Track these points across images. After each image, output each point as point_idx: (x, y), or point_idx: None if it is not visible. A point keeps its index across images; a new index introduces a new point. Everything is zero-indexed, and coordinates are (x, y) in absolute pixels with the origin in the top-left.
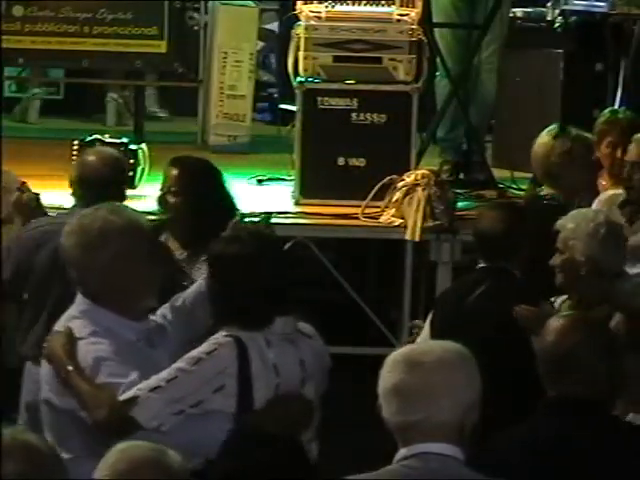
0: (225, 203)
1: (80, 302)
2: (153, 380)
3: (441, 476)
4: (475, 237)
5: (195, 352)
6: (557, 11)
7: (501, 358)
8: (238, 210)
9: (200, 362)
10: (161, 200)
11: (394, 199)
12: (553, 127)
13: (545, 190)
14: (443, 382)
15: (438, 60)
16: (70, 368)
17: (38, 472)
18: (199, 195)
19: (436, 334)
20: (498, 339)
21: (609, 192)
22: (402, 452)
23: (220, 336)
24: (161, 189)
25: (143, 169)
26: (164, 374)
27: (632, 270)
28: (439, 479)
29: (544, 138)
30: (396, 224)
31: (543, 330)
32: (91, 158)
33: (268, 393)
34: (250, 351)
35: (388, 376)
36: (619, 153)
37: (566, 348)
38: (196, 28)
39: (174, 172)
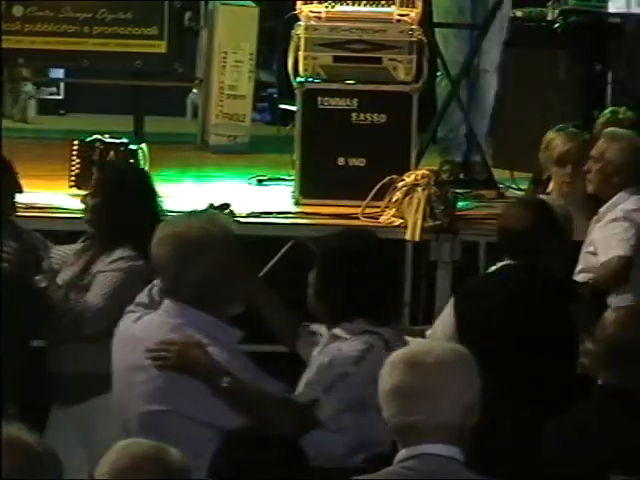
0: (147, 206)
1: (173, 310)
2: (319, 382)
3: (441, 477)
4: (500, 234)
5: (350, 352)
6: (557, 11)
7: (532, 354)
8: (163, 213)
9: (361, 361)
10: (83, 201)
11: (394, 199)
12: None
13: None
14: (444, 383)
15: (438, 60)
16: (227, 379)
17: (32, 470)
18: (116, 197)
19: (464, 330)
20: (528, 336)
21: None
22: (402, 453)
23: (360, 334)
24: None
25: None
26: (328, 376)
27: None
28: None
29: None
30: (396, 224)
31: (601, 321)
32: None
33: None
34: (393, 346)
35: (388, 377)
36: None
37: (625, 338)
38: (196, 28)
39: (95, 175)
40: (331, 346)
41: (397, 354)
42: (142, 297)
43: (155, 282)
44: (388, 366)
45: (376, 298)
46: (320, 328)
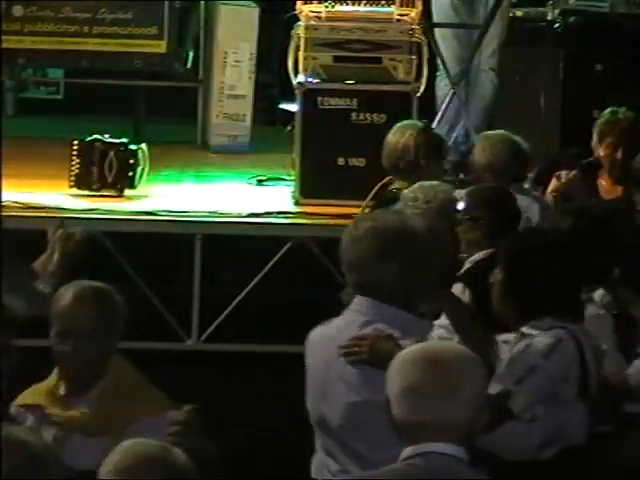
0: None
1: (364, 307)
2: (509, 375)
3: (445, 476)
4: None
5: (539, 346)
6: (557, 11)
7: None
8: None
9: (550, 355)
10: None
11: None
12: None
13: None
14: (461, 382)
15: (438, 60)
16: None
17: (33, 470)
18: None
19: None
20: None
21: None
22: (408, 450)
23: (548, 329)
24: None
25: (143, 169)
26: (518, 369)
27: None
28: (443, 479)
29: (401, 131)
30: None
31: None
32: None
33: (595, 378)
34: (583, 341)
35: (403, 375)
36: (619, 154)
37: None
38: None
39: None
40: (520, 344)
41: (410, 352)
42: None
43: None
44: (401, 364)
45: (563, 296)
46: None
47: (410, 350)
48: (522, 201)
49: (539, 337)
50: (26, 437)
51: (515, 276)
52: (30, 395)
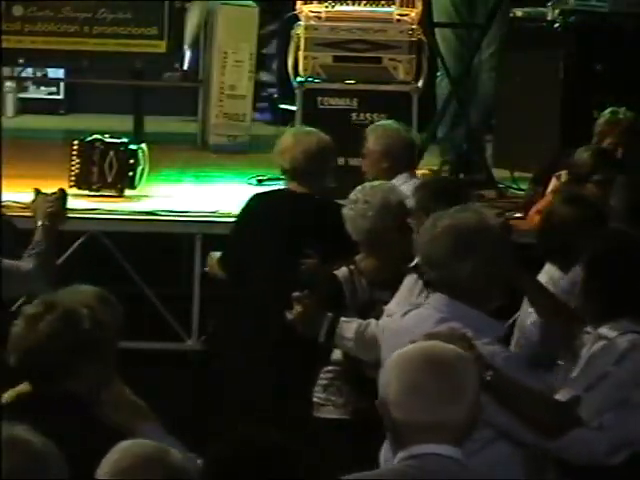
0: None
1: (440, 303)
2: (580, 381)
3: (443, 477)
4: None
5: (612, 352)
6: (557, 11)
7: None
8: None
9: (622, 362)
10: None
11: None
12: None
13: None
14: (462, 383)
15: (438, 60)
16: (490, 372)
17: (34, 469)
18: None
19: None
20: None
21: None
22: (402, 453)
23: (624, 333)
24: None
25: (143, 169)
26: (589, 375)
27: None
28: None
29: (291, 133)
30: None
31: None
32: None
33: None
34: None
35: (405, 376)
36: (619, 154)
37: None
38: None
39: None
40: (595, 346)
41: (409, 353)
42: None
43: None
44: (401, 364)
45: None
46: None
47: (408, 351)
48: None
49: (614, 340)
50: (27, 436)
51: (595, 276)
52: None
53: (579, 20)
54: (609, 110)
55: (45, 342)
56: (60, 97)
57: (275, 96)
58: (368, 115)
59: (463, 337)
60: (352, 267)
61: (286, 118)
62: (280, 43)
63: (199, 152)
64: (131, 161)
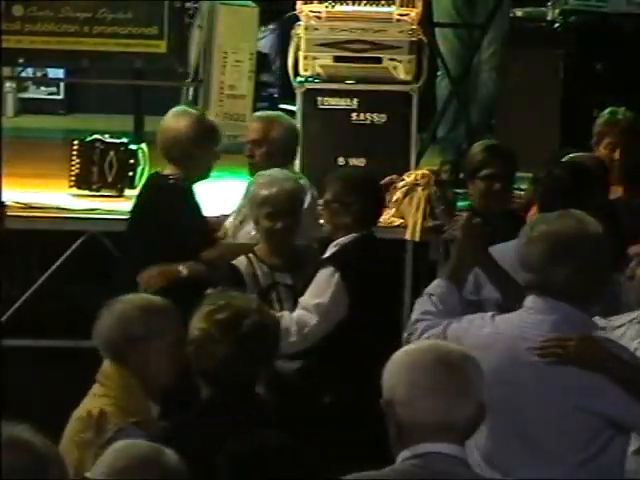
0: None
1: (543, 306)
2: None
3: (448, 477)
4: None
5: None
6: (557, 11)
7: None
8: None
9: None
10: None
11: (394, 199)
12: (179, 108)
13: (169, 169)
14: (471, 382)
15: (438, 60)
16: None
17: (34, 470)
18: None
19: None
20: None
21: None
22: (406, 453)
23: None
24: None
25: (143, 169)
26: None
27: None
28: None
29: (170, 116)
30: (396, 224)
31: None
32: None
33: None
34: None
35: (414, 376)
36: (617, 154)
37: None
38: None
39: None
40: None
41: (417, 353)
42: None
43: None
44: (410, 365)
45: None
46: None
47: (413, 350)
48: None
49: None
50: (28, 437)
51: None
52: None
53: (579, 20)
54: (608, 110)
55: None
56: (60, 97)
57: (275, 96)
58: (368, 115)
59: (594, 339)
60: (251, 255)
61: None
62: (280, 43)
63: None
64: (131, 161)
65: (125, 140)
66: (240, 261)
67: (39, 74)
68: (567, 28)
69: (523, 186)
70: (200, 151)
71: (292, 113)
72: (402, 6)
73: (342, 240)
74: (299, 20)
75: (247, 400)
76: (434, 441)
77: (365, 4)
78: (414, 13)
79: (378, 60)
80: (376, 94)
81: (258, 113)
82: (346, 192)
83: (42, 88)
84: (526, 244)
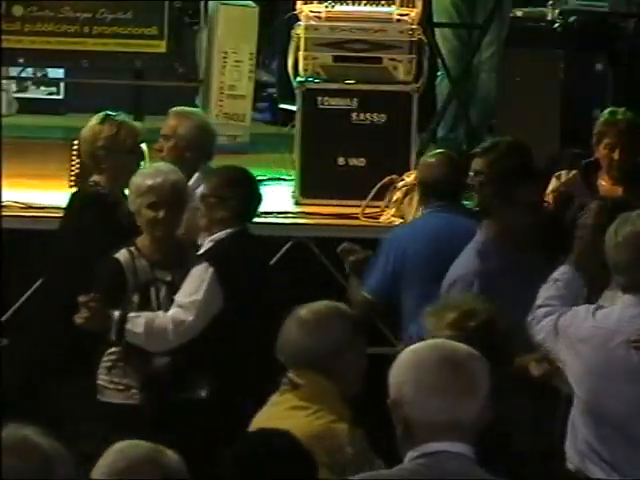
0: None
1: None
2: None
3: (457, 476)
4: None
5: None
6: (557, 11)
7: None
8: None
9: None
10: None
11: (394, 199)
12: (101, 114)
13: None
14: (478, 381)
15: (438, 60)
16: None
17: (38, 469)
18: None
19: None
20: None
21: None
22: (414, 452)
23: None
24: None
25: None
26: None
27: None
28: (457, 479)
29: (91, 123)
30: (396, 224)
31: None
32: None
33: None
34: None
35: (422, 375)
36: (617, 154)
37: None
38: (196, 28)
39: None
40: None
41: (423, 352)
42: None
43: None
44: (417, 364)
45: None
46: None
47: (420, 349)
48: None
49: None
50: (37, 439)
51: None
52: None
53: (579, 20)
54: (608, 110)
55: None
56: (60, 97)
57: (275, 96)
58: (368, 115)
59: None
60: (132, 248)
61: (286, 118)
62: (280, 43)
63: None
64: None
65: None
66: (122, 254)
67: (39, 74)
68: (567, 28)
69: None
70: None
71: (292, 113)
72: (402, 6)
73: (217, 236)
74: (299, 20)
75: None
76: (442, 440)
77: (365, 4)
78: (414, 13)
79: (378, 60)
80: (376, 94)
81: (173, 108)
82: (223, 187)
83: (42, 88)
84: (613, 248)
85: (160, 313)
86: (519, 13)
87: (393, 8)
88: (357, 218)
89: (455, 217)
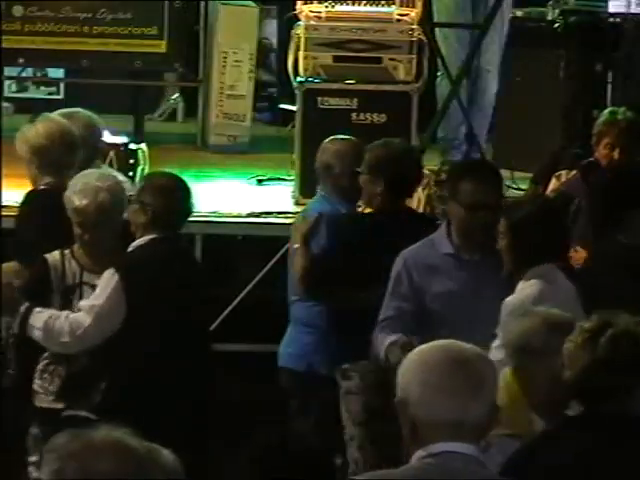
0: None
1: None
2: None
3: (464, 476)
4: None
5: None
6: (557, 11)
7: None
8: None
9: None
10: None
11: None
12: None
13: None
14: (485, 381)
15: (439, 60)
16: None
17: (131, 472)
18: None
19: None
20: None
21: None
22: (421, 452)
23: None
24: None
25: (143, 169)
26: None
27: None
28: (464, 479)
29: (32, 125)
30: None
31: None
32: None
33: None
34: None
35: (428, 375)
36: (616, 154)
37: None
38: (196, 28)
39: None
40: None
41: (430, 352)
42: None
43: None
44: (423, 364)
45: None
46: None
47: (427, 350)
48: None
49: None
50: (130, 441)
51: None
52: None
53: (579, 20)
54: (608, 110)
55: (603, 360)
56: (60, 97)
57: (275, 96)
58: (368, 115)
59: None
60: (67, 250)
61: (286, 118)
62: (280, 43)
63: (199, 152)
64: (131, 161)
65: (125, 140)
66: (53, 254)
67: (39, 74)
68: (567, 28)
69: (523, 186)
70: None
71: (292, 113)
72: (402, 6)
73: (137, 242)
74: (299, 20)
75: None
76: (448, 440)
77: (365, 4)
78: (414, 13)
79: (378, 60)
80: (376, 94)
81: (60, 110)
82: (145, 193)
83: (42, 88)
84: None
85: (65, 313)
86: (519, 13)
87: (393, 8)
88: None
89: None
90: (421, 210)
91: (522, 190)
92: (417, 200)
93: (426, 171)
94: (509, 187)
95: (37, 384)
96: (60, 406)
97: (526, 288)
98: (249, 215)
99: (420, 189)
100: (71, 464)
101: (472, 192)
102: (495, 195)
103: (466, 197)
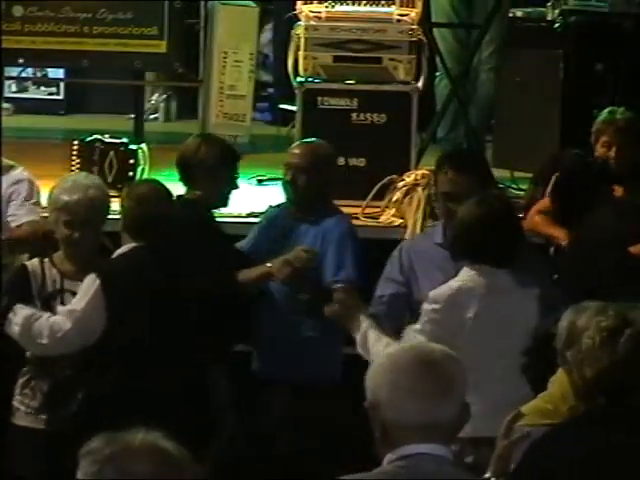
0: None
1: None
2: None
3: (436, 477)
4: None
5: None
6: (557, 11)
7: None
8: None
9: None
10: None
11: (394, 199)
12: None
13: None
14: (454, 382)
15: (438, 60)
16: None
17: (166, 473)
18: None
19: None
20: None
21: None
22: (392, 455)
23: None
24: None
25: (143, 169)
26: None
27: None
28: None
29: None
30: (396, 224)
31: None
32: None
33: None
34: None
35: (398, 377)
36: (613, 152)
37: None
38: (196, 28)
39: None
40: None
41: (399, 354)
42: None
43: None
44: (392, 366)
45: None
46: None
47: (396, 352)
48: None
49: None
50: (165, 443)
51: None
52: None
53: (579, 20)
54: (607, 109)
55: (623, 361)
56: (60, 97)
57: (275, 96)
58: (368, 115)
59: None
60: (45, 260)
61: (286, 118)
62: (280, 43)
63: None
64: (131, 161)
65: (125, 140)
66: (32, 262)
67: (39, 74)
68: (567, 28)
69: (523, 186)
70: None
71: (292, 113)
72: (402, 6)
73: (122, 249)
74: (299, 20)
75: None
76: (419, 442)
77: (365, 4)
78: (414, 13)
79: (378, 60)
80: (376, 94)
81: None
82: (124, 199)
83: (42, 88)
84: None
85: (47, 314)
86: (519, 13)
87: (393, 8)
88: (357, 218)
89: None
90: (421, 210)
91: (522, 190)
92: (417, 200)
93: (426, 171)
94: (509, 187)
95: (17, 400)
96: (41, 426)
97: (451, 282)
98: (249, 215)
99: (420, 189)
100: (109, 466)
101: (445, 182)
102: (470, 185)
103: (440, 186)
